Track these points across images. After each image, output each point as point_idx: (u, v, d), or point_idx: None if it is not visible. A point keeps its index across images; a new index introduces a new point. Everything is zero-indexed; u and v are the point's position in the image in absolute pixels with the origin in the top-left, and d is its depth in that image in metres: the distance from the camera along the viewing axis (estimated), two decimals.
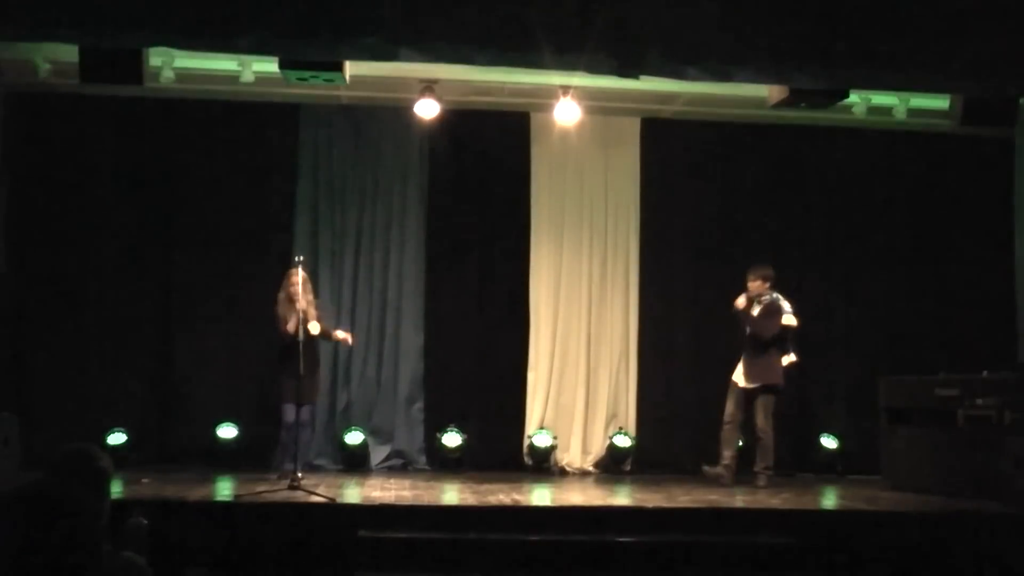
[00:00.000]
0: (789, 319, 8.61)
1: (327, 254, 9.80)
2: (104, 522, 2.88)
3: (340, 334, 8.74)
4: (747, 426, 8.66)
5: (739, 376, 8.59)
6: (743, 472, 8.60)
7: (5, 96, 9.10)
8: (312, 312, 8.33)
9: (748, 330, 8.60)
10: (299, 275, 8.03)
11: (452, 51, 6.56)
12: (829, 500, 8.13)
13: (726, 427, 8.56)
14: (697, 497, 7.76)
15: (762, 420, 8.45)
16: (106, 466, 3.00)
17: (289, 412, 8.12)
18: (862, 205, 10.38)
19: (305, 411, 8.19)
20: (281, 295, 8.35)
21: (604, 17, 6.43)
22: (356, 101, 9.66)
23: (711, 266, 10.14)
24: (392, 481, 8.46)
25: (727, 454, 8.53)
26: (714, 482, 8.44)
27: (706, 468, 8.59)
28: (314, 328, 8.29)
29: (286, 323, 8.17)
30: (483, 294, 10.04)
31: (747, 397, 8.53)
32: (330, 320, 9.67)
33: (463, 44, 6.50)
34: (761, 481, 8.43)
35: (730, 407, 8.55)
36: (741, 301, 8.60)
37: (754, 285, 8.62)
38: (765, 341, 8.52)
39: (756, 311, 8.59)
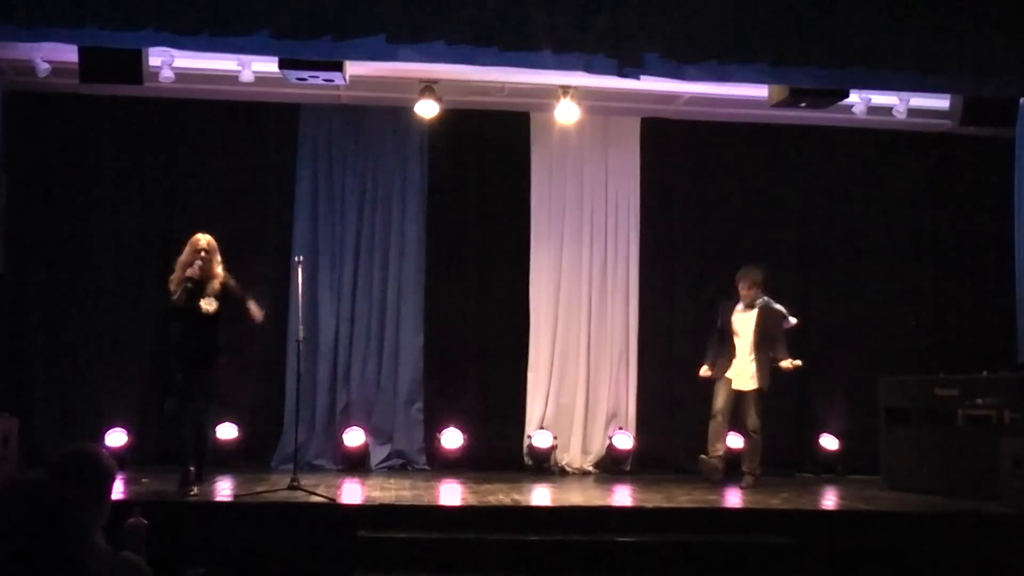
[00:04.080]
0: (790, 320, 8.60)
1: (327, 254, 9.80)
2: (104, 523, 2.88)
3: (253, 307, 7.48)
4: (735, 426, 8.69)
5: (736, 376, 8.50)
6: (731, 472, 8.61)
7: (5, 96, 9.10)
8: (214, 287, 7.27)
9: (751, 333, 8.48)
10: (203, 240, 7.37)
11: (452, 51, 6.57)
12: (829, 500, 8.13)
13: (716, 420, 8.48)
14: (697, 497, 7.76)
15: (755, 420, 8.41)
16: (109, 467, 3.00)
17: (171, 405, 7.24)
18: (862, 205, 10.38)
19: (196, 407, 7.22)
20: (180, 259, 7.40)
21: (604, 17, 6.43)
22: (356, 101, 9.65)
23: (711, 266, 10.15)
24: (392, 481, 8.45)
25: (720, 447, 8.48)
26: (709, 474, 8.38)
27: (703, 457, 8.47)
28: (208, 305, 7.20)
29: (173, 294, 7.22)
30: (483, 294, 10.04)
31: (739, 397, 8.49)
32: (328, 319, 9.71)
33: (463, 44, 6.51)
34: (746, 482, 8.39)
35: (720, 402, 8.48)
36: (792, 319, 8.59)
37: (750, 292, 8.53)
38: (764, 344, 8.46)
39: (756, 313, 8.51)
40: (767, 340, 8.45)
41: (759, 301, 8.54)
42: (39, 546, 2.20)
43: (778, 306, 8.60)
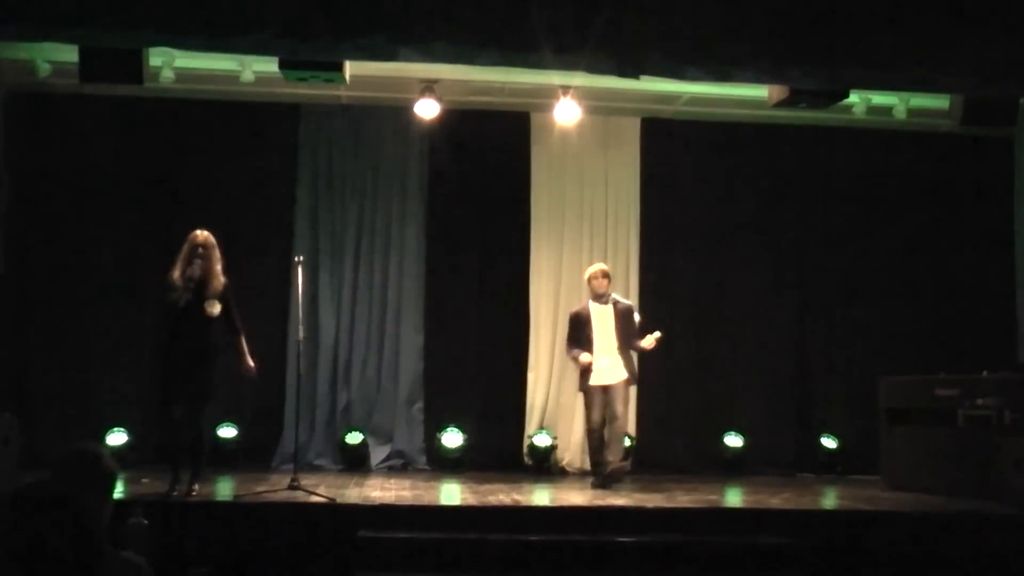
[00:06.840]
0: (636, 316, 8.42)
1: (327, 254, 9.80)
2: (107, 523, 2.88)
3: (246, 360, 7.15)
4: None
5: (604, 376, 8.22)
6: (732, 471, 8.57)
7: (5, 96, 9.10)
8: (216, 286, 6.94)
9: (612, 330, 8.26)
10: (201, 236, 7.07)
11: (452, 51, 6.56)
12: (829, 500, 8.13)
13: (596, 435, 8.24)
14: (697, 497, 7.76)
15: (623, 409, 8.25)
16: (111, 467, 3.00)
17: (173, 410, 6.97)
18: (862, 205, 10.38)
19: (185, 409, 6.92)
20: (178, 255, 7.06)
21: (604, 17, 6.42)
22: (356, 101, 9.66)
23: (711, 266, 10.15)
24: (392, 481, 8.45)
25: (609, 452, 8.18)
26: (620, 478, 8.14)
27: (612, 469, 8.13)
28: (212, 308, 6.84)
29: (173, 292, 6.86)
30: (483, 294, 10.04)
31: (609, 393, 8.18)
32: (328, 319, 9.70)
33: (463, 44, 6.50)
34: (611, 474, 8.07)
35: (596, 416, 8.20)
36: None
37: (603, 283, 8.35)
38: (626, 340, 8.25)
39: (616, 309, 8.31)
40: (628, 336, 8.24)
41: (611, 296, 8.38)
42: (55, 551, 2.20)
43: (627, 302, 8.54)
